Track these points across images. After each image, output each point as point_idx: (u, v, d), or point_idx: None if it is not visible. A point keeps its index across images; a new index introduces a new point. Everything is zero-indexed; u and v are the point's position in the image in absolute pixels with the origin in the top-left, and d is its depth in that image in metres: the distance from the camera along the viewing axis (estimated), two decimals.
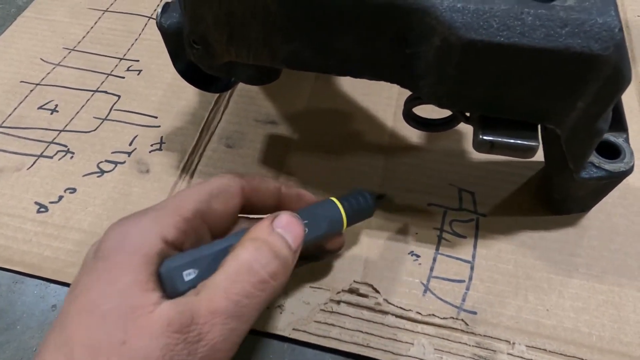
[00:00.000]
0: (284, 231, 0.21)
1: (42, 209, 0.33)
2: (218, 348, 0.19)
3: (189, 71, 0.30)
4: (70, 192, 0.33)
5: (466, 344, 0.26)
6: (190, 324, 0.18)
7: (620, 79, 0.20)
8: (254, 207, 0.25)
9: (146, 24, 0.45)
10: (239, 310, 0.19)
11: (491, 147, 0.24)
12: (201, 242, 0.22)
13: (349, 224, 0.26)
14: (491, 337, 0.27)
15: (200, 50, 0.27)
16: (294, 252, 0.22)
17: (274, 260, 0.20)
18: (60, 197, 0.33)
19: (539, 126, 0.24)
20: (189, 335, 0.18)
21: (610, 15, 0.19)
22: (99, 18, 0.46)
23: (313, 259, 0.27)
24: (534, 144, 0.23)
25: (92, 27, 0.45)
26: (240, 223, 0.25)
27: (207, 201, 0.22)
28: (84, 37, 0.44)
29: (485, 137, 0.23)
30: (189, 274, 0.20)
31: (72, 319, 0.18)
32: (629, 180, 0.28)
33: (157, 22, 0.28)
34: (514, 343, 0.26)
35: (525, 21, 0.20)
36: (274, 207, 0.25)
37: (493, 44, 0.20)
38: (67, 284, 0.30)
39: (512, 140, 0.23)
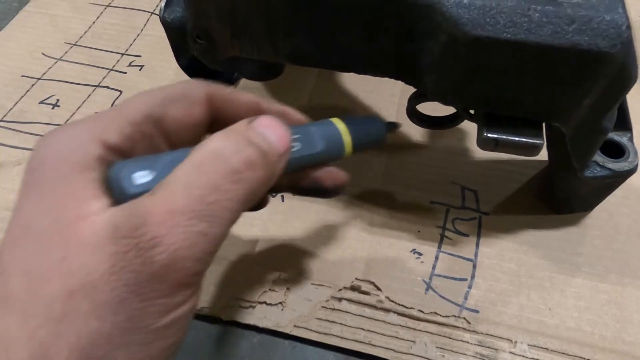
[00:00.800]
0: (264, 129, 0.17)
1: None
2: (182, 256, 0.15)
3: (192, 66, 0.30)
4: None
5: (468, 342, 0.26)
6: (142, 225, 0.14)
7: (627, 77, 0.20)
8: (226, 122, 0.19)
9: (148, 20, 0.45)
10: (207, 209, 0.15)
11: (495, 145, 0.23)
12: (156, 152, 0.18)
13: (353, 151, 0.22)
14: (493, 336, 0.26)
15: (204, 44, 0.27)
16: (279, 153, 0.17)
17: (248, 146, 0.16)
18: None
19: (544, 124, 0.24)
20: (141, 239, 0.14)
21: (618, 13, 0.19)
22: (101, 13, 0.46)
23: (313, 193, 0.22)
24: (538, 141, 0.23)
25: (94, 22, 0.45)
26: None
27: (162, 105, 0.18)
28: (85, 32, 0.44)
29: (489, 135, 0.23)
30: (142, 177, 0.16)
31: (5, 249, 0.15)
32: (632, 179, 0.28)
33: (160, 17, 0.28)
34: (516, 342, 0.26)
35: (532, 18, 0.19)
36: None
37: (499, 40, 0.20)
38: None
39: (516, 138, 0.23)
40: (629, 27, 0.19)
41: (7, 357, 0.14)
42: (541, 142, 0.23)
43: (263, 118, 0.18)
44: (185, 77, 0.31)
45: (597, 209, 0.31)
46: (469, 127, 0.35)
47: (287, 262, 0.29)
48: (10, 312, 0.14)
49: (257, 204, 0.23)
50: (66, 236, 0.15)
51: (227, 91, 0.20)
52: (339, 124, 0.21)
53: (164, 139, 0.18)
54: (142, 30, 0.44)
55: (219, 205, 0.15)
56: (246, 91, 0.20)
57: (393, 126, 0.25)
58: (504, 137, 0.23)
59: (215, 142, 0.16)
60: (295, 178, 0.21)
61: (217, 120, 0.20)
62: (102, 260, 0.14)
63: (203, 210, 0.15)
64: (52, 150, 0.16)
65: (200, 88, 0.19)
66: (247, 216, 0.31)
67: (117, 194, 0.16)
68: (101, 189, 0.16)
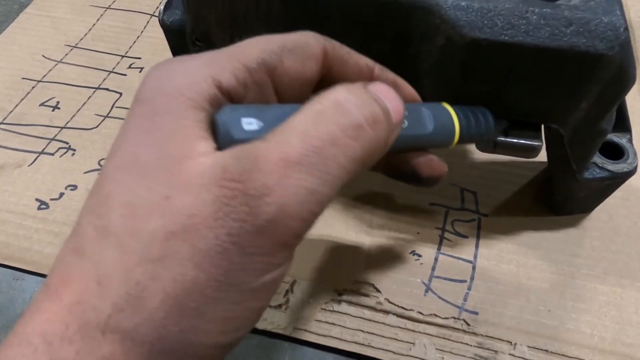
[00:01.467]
0: (382, 95, 0.16)
1: (43, 206, 0.32)
2: (289, 212, 0.14)
3: None
4: (72, 189, 0.33)
5: (467, 344, 0.26)
6: (253, 169, 0.13)
7: (625, 79, 0.20)
8: (336, 83, 0.17)
9: (148, 22, 0.45)
10: (322, 163, 0.14)
11: (494, 147, 0.23)
12: (266, 103, 0.17)
13: (461, 139, 0.20)
14: (492, 338, 0.26)
15: (203, 48, 0.27)
16: (394, 124, 0.16)
17: (373, 103, 0.15)
18: (61, 194, 0.33)
19: (542, 126, 0.24)
20: (250, 185, 0.13)
21: (616, 15, 0.19)
22: (101, 15, 0.46)
23: (408, 179, 0.21)
24: (537, 143, 0.23)
25: (94, 24, 0.45)
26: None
27: (278, 54, 0.16)
28: (86, 34, 0.44)
29: None
30: (250, 123, 0.15)
31: (108, 177, 0.14)
32: (631, 181, 0.28)
33: (159, 19, 0.28)
34: (515, 343, 0.26)
35: (530, 20, 0.20)
36: None
37: (497, 42, 0.20)
38: None
39: (515, 140, 0.23)
40: (626, 29, 0.19)
41: (102, 291, 0.13)
42: (540, 144, 0.23)
43: (380, 84, 0.17)
44: None
45: (597, 210, 0.31)
46: None
47: None
48: (109, 244, 0.14)
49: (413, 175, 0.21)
50: (172, 174, 0.14)
51: (345, 50, 0.18)
52: (450, 109, 0.20)
53: (274, 90, 0.17)
54: (142, 32, 0.44)
55: (334, 161, 0.14)
56: (359, 54, 0.19)
57: (502, 124, 0.23)
58: (503, 139, 0.23)
59: (339, 93, 0.15)
60: (395, 159, 0.20)
61: (327, 78, 0.18)
62: (207, 203, 0.13)
63: (318, 164, 0.14)
64: (166, 82, 0.15)
65: (319, 42, 0.17)
66: None
67: (223, 137, 0.14)
68: (209, 131, 0.15)
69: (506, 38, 0.20)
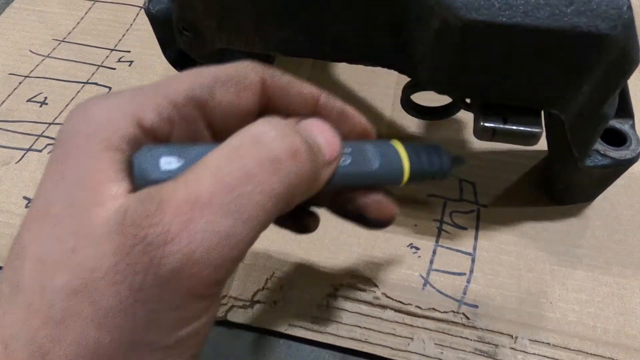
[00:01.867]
0: (312, 130, 0.15)
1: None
2: (197, 260, 0.12)
3: (180, 60, 0.29)
4: None
5: (467, 338, 0.26)
6: (155, 212, 0.12)
7: (628, 61, 0.20)
8: (279, 113, 0.17)
9: (137, 14, 0.44)
10: (235, 202, 0.13)
11: (493, 134, 0.23)
12: (196, 140, 0.16)
13: (412, 178, 0.19)
14: (493, 331, 0.26)
15: (190, 37, 0.26)
16: (325, 159, 0.15)
17: (294, 134, 0.14)
18: None
19: (542, 112, 0.23)
20: (151, 231, 0.12)
21: None
22: (90, 8, 0.45)
23: (355, 219, 0.20)
24: (537, 130, 0.22)
25: (82, 18, 0.44)
26: None
27: (209, 87, 0.15)
28: (74, 28, 0.43)
29: (486, 124, 0.22)
30: (169, 163, 0.14)
31: (23, 228, 0.14)
32: (634, 168, 0.27)
33: (145, 8, 0.27)
34: (516, 337, 0.26)
35: (529, 0, 0.19)
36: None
37: (495, 24, 0.19)
38: None
39: (514, 127, 0.22)
40: (629, 7, 0.18)
41: (8, 355, 0.12)
42: (540, 130, 0.22)
43: (312, 120, 0.16)
44: (175, 72, 0.30)
45: (598, 199, 0.30)
46: (466, 118, 0.34)
47: (281, 260, 0.29)
48: (18, 303, 0.13)
49: (302, 225, 0.21)
50: (79, 223, 0.13)
51: (285, 79, 0.17)
52: (398, 146, 0.19)
53: (207, 125, 0.16)
54: (131, 25, 0.43)
55: (250, 199, 0.13)
56: (304, 81, 0.18)
57: (460, 161, 0.21)
58: (502, 126, 0.22)
59: (257, 126, 0.14)
60: (341, 197, 0.19)
61: (268, 110, 0.17)
62: (107, 254, 0.12)
63: (230, 204, 0.13)
64: (83, 122, 0.14)
65: (256, 72, 0.16)
66: None
67: (139, 178, 0.14)
68: (125, 172, 0.14)
69: (504, 19, 0.19)
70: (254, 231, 0.13)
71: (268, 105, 0.17)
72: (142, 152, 0.14)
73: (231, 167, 0.13)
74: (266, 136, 0.14)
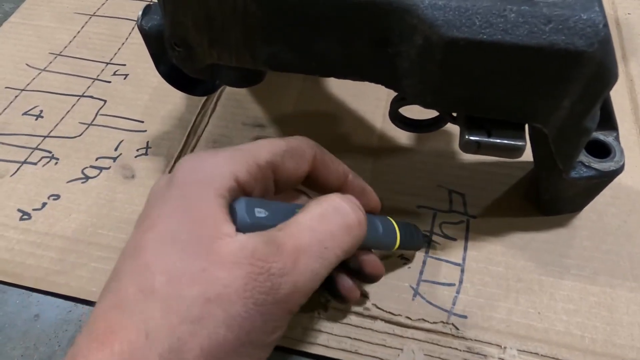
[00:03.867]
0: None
1: (25, 217, 0.32)
2: (299, 288, 0.18)
3: (173, 74, 0.30)
4: (54, 199, 0.33)
5: (457, 348, 0.26)
6: (276, 253, 0.18)
7: (607, 76, 0.20)
8: (317, 182, 0.23)
9: (133, 28, 0.45)
10: (323, 253, 0.19)
11: (478, 148, 0.23)
12: (267, 195, 0.22)
13: (400, 245, 0.26)
14: (482, 342, 0.26)
15: (182, 52, 0.26)
16: (364, 224, 0.21)
17: (359, 210, 0.21)
18: (44, 204, 0.33)
19: (526, 126, 0.23)
20: (273, 266, 0.17)
21: (595, 11, 0.19)
22: (86, 23, 0.45)
23: (354, 274, 0.25)
24: (520, 143, 0.22)
25: (78, 32, 0.45)
26: (300, 196, 0.25)
27: (282, 156, 0.21)
28: (70, 41, 0.44)
29: (471, 138, 0.23)
30: (260, 212, 0.19)
31: (148, 247, 0.18)
32: (620, 179, 0.28)
33: (137, 25, 0.27)
34: (505, 347, 0.26)
35: (508, 18, 0.19)
36: (336, 190, 0.23)
37: (475, 41, 0.19)
38: (50, 293, 0.29)
39: (498, 140, 0.23)
40: (606, 25, 0.19)
41: (150, 344, 0.16)
42: (523, 144, 0.22)
43: (350, 196, 0.22)
44: (168, 86, 0.31)
45: (586, 209, 0.31)
46: (455, 130, 0.35)
47: None
48: (155, 304, 0.16)
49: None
50: (207, 250, 0.17)
51: (329, 157, 0.23)
52: (393, 221, 0.26)
53: (274, 182, 0.22)
54: (126, 39, 0.44)
55: (332, 252, 0.19)
56: (339, 160, 0.24)
57: (428, 240, 0.30)
58: (486, 139, 0.23)
59: (337, 200, 0.21)
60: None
61: (310, 176, 0.23)
62: (238, 277, 0.17)
63: (321, 253, 0.19)
64: (199, 172, 0.19)
65: (311, 148, 0.23)
66: None
67: (240, 221, 0.19)
68: (229, 216, 0.19)
69: (484, 37, 0.19)
70: (328, 272, 0.19)
71: (312, 174, 0.23)
72: (241, 202, 0.19)
73: (321, 228, 0.19)
74: (344, 208, 0.20)
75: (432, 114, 0.28)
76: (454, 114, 0.25)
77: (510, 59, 0.20)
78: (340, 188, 0.24)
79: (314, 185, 0.24)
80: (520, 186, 0.32)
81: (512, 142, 0.22)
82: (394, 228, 0.25)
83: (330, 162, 0.23)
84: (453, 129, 0.34)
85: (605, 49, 0.19)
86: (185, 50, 0.26)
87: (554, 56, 0.19)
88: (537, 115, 0.22)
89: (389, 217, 0.26)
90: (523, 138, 0.23)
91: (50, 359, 0.27)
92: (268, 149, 0.21)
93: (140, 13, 0.27)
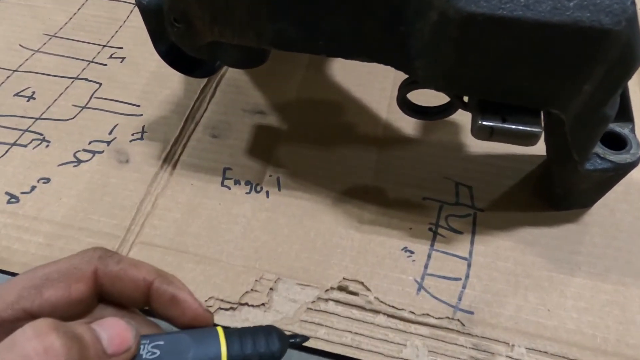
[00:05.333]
0: (100, 326, 0.17)
1: (13, 200, 0.31)
2: None
3: (171, 54, 0.29)
4: (44, 182, 0.31)
5: (462, 345, 0.25)
6: None
7: (632, 58, 0.19)
8: (115, 297, 0.20)
9: (131, 11, 0.43)
10: None
11: (491, 134, 0.22)
12: None
13: None
14: (489, 339, 0.25)
15: (182, 29, 0.25)
16: (110, 352, 0.17)
17: (49, 333, 0.16)
18: (33, 188, 0.31)
19: (542, 112, 0.22)
20: None
21: None
22: (83, 4, 0.44)
23: None
24: (537, 130, 0.21)
25: (75, 14, 0.43)
26: (100, 309, 0.20)
27: (38, 287, 0.18)
28: (66, 23, 0.42)
29: (484, 123, 0.22)
30: None
31: None
32: (633, 174, 0.27)
33: (136, 0, 0.26)
34: (513, 345, 0.25)
35: None
36: (142, 302, 0.20)
37: (495, 17, 0.18)
38: None
39: (513, 126, 0.22)
40: (633, 2, 0.18)
41: None
42: (540, 130, 0.21)
43: (108, 318, 0.18)
44: (167, 70, 0.29)
45: (597, 205, 0.30)
46: (463, 121, 0.34)
47: (271, 261, 0.28)
48: None
49: None
50: None
51: (118, 267, 0.19)
52: (220, 333, 0.19)
53: (49, 314, 0.18)
54: (124, 22, 0.43)
55: None
56: (145, 265, 0.20)
57: (297, 341, 0.21)
58: (500, 125, 0.22)
59: (21, 329, 0.16)
60: None
61: (105, 292, 0.20)
62: None
63: None
64: None
65: (89, 264, 0.19)
66: (230, 213, 0.30)
67: None
68: None
69: (504, 12, 0.18)
70: None
71: (101, 290, 0.19)
72: None
73: None
74: (21, 337, 0.16)
75: (441, 100, 0.26)
76: (465, 100, 0.24)
77: (531, 37, 0.19)
78: (145, 299, 0.20)
79: (114, 300, 0.20)
80: (529, 180, 0.31)
81: (528, 129, 0.21)
82: (217, 343, 0.19)
83: (123, 273, 0.19)
84: (460, 120, 0.33)
85: (632, 28, 0.18)
86: (185, 26, 0.25)
87: (577, 35, 0.18)
88: (556, 100, 0.21)
89: (218, 328, 0.20)
90: (539, 124, 0.22)
91: None
92: (17, 283, 0.18)
93: None
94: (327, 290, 0.27)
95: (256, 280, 0.27)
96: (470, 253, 0.28)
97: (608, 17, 0.18)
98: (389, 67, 0.23)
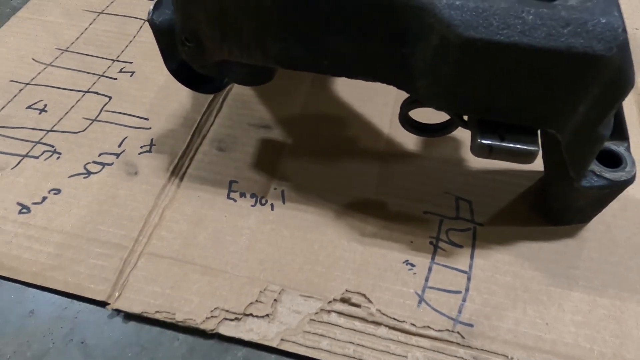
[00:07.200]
0: None
1: (24, 210, 0.31)
2: None
3: (181, 70, 0.30)
4: (55, 193, 0.32)
5: (462, 358, 0.25)
6: None
7: (624, 82, 0.20)
8: None
9: (141, 27, 0.45)
10: None
11: (490, 152, 0.23)
12: None
13: None
14: (488, 352, 0.25)
15: (192, 48, 0.26)
16: None
17: None
18: (44, 198, 0.32)
19: (539, 131, 0.23)
20: None
21: (614, 16, 0.19)
22: (94, 20, 0.45)
23: None
24: (534, 148, 0.22)
25: (86, 29, 0.45)
26: None
27: None
28: (77, 38, 0.44)
29: (483, 141, 0.23)
30: None
31: None
32: (629, 191, 0.27)
33: (148, 19, 0.27)
34: (512, 358, 0.25)
35: (526, 20, 0.19)
36: None
37: (492, 42, 0.19)
38: (46, 289, 0.28)
39: (511, 145, 0.22)
40: (624, 30, 0.18)
41: None
42: (536, 149, 0.22)
43: None
44: (175, 84, 0.30)
45: (594, 221, 0.30)
46: (463, 137, 0.35)
47: (275, 273, 0.28)
48: None
49: None
50: None
51: None
52: None
53: None
54: (134, 37, 0.44)
55: None
56: None
57: None
58: (499, 143, 0.22)
59: None
60: None
61: None
62: None
63: None
64: None
65: None
66: (236, 225, 0.31)
67: None
68: None
69: (502, 38, 0.19)
70: None
71: None
72: None
73: None
74: None
75: (441, 118, 0.27)
76: (465, 118, 0.25)
77: (527, 61, 0.19)
78: None
79: None
80: (527, 195, 0.32)
81: (526, 147, 0.22)
82: None
83: None
84: (461, 135, 0.34)
85: (623, 54, 0.19)
86: (195, 45, 0.26)
87: (571, 59, 0.19)
88: (552, 120, 0.21)
89: None
90: (536, 143, 0.22)
91: (44, 357, 0.26)
92: None
93: (151, 7, 0.27)
94: (329, 302, 0.27)
95: (260, 292, 0.28)
96: (470, 266, 0.29)
97: (600, 44, 0.18)
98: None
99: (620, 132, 0.27)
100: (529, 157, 0.22)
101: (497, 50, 0.19)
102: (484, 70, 0.20)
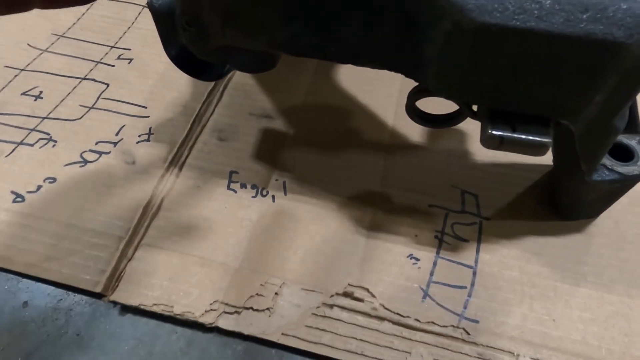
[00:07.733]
0: None
1: (19, 199, 0.30)
2: None
3: (181, 56, 0.29)
4: (50, 182, 0.31)
5: (467, 354, 0.25)
6: None
7: None
8: None
9: (140, 13, 0.44)
10: None
11: (500, 143, 0.22)
12: None
13: None
14: (494, 348, 0.25)
15: (194, 32, 0.25)
16: None
17: None
18: (39, 187, 0.31)
19: (552, 121, 0.22)
20: None
21: (635, 1, 0.18)
22: (91, 5, 0.44)
23: None
24: (546, 140, 0.21)
25: (83, 14, 0.43)
26: None
27: None
28: (74, 23, 0.43)
29: (494, 132, 0.22)
30: None
31: None
32: (639, 186, 0.27)
33: (147, 2, 0.26)
34: (518, 355, 0.25)
35: (544, 4, 0.18)
36: None
37: (508, 28, 0.18)
38: (41, 279, 0.28)
39: (523, 136, 0.22)
40: None
41: None
42: (549, 140, 0.21)
43: None
44: (174, 72, 0.29)
45: (602, 216, 0.30)
46: (470, 129, 0.34)
47: (276, 266, 0.28)
48: None
49: None
50: None
51: None
52: None
53: None
54: (133, 23, 0.43)
55: None
56: None
57: None
58: (510, 134, 0.22)
59: None
60: None
61: None
62: None
63: None
64: None
65: None
66: (236, 216, 0.30)
67: None
68: None
69: (518, 23, 0.18)
70: None
71: None
72: None
73: None
74: None
75: (448, 108, 0.26)
76: (475, 108, 0.24)
77: (544, 48, 0.19)
78: None
79: None
80: (535, 189, 0.31)
81: (538, 139, 0.21)
82: None
83: None
84: (467, 128, 0.33)
85: None
86: (196, 30, 0.25)
87: (590, 47, 0.18)
88: (567, 111, 0.21)
89: None
90: (549, 134, 0.22)
91: (38, 350, 0.25)
92: None
93: None
94: (332, 295, 0.27)
95: (261, 285, 0.27)
96: (476, 261, 0.28)
97: (621, 30, 0.18)
98: (396, 74, 0.23)
99: (633, 125, 0.26)
100: (541, 148, 0.22)
101: (513, 36, 0.18)
102: (498, 57, 0.19)
